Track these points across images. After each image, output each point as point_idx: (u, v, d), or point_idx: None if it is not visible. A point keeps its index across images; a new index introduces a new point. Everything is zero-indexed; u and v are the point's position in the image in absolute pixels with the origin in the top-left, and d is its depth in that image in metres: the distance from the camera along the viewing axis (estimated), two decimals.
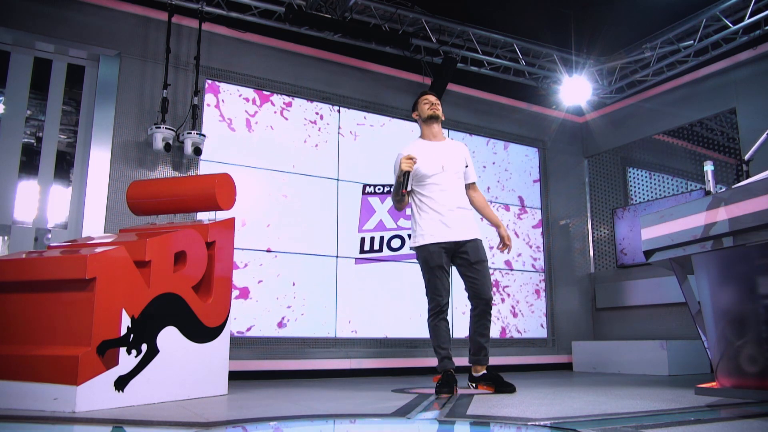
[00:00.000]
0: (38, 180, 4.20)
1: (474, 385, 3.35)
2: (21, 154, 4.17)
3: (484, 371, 3.33)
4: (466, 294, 3.38)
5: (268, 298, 4.64)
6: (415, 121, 3.67)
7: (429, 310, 3.36)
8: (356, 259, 5.11)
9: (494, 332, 5.64)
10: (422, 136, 3.59)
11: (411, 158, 3.25)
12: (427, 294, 3.38)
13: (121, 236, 3.11)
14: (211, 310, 3.09)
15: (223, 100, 4.75)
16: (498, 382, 3.26)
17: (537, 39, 5.64)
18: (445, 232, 3.34)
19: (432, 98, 3.56)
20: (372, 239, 5.20)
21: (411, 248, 3.48)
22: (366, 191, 5.30)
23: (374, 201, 5.28)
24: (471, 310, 3.38)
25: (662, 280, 5.43)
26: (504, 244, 3.56)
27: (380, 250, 5.20)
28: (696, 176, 5.57)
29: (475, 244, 3.37)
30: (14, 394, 2.35)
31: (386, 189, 5.32)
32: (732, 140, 5.30)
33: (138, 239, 2.79)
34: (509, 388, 3.22)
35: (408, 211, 3.59)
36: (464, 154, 3.58)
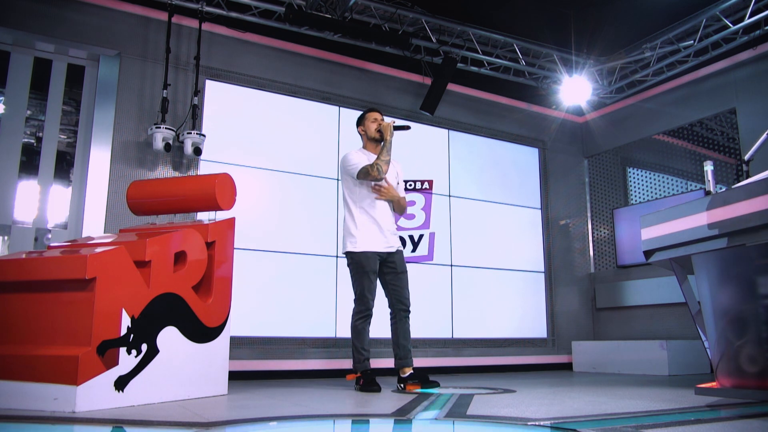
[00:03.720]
0: (38, 180, 4.20)
1: (402, 386, 3.49)
2: (21, 154, 4.17)
3: (411, 371, 3.52)
4: (387, 300, 3.63)
5: (268, 297, 4.64)
6: (360, 133, 3.82)
7: (357, 312, 3.53)
8: None
9: (494, 332, 5.64)
10: (365, 148, 3.78)
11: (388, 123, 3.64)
12: (357, 297, 3.55)
13: (121, 236, 3.11)
14: (211, 310, 3.09)
15: (223, 100, 4.75)
16: (423, 378, 3.51)
17: (537, 39, 5.64)
18: (382, 241, 3.58)
19: (379, 116, 3.77)
20: None
21: (345, 252, 3.62)
22: None
23: None
24: (391, 316, 3.62)
25: (662, 280, 5.43)
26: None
27: None
28: (696, 176, 5.57)
29: (401, 254, 3.67)
30: (14, 394, 2.35)
31: None
32: (732, 140, 5.30)
33: (138, 239, 2.79)
34: (434, 384, 3.52)
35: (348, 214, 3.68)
36: (397, 169, 3.83)
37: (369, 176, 3.53)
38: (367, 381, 3.43)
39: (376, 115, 3.76)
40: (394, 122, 3.67)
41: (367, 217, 3.58)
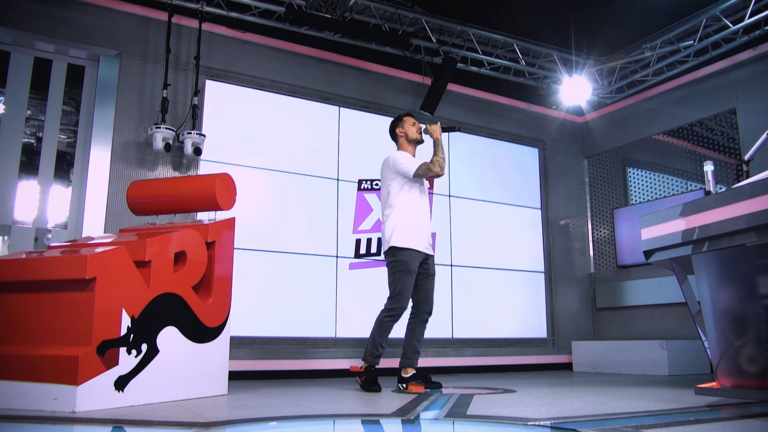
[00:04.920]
0: (38, 180, 4.20)
1: (404, 386, 3.48)
2: (21, 154, 4.17)
3: (414, 371, 3.53)
4: (412, 301, 3.62)
5: (268, 297, 4.64)
6: (396, 135, 3.78)
7: (389, 310, 3.50)
8: (351, 263, 5.07)
9: (494, 332, 5.64)
10: (402, 150, 3.74)
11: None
12: (394, 295, 3.51)
13: (121, 236, 3.11)
14: (211, 310, 3.09)
15: (223, 100, 4.75)
16: (426, 379, 3.54)
17: (537, 39, 5.64)
18: (425, 242, 3.60)
19: (415, 121, 3.80)
20: (369, 241, 5.15)
21: (390, 248, 3.55)
22: (362, 187, 5.25)
23: (371, 198, 5.25)
24: (412, 316, 3.63)
25: (662, 280, 5.43)
26: None
27: (377, 253, 5.12)
28: (696, 176, 5.57)
29: (433, 258, 3.71)
30: (14, 394, 2.35)
31: None
32: (732, 140, 5.30)
33: (138, 239, 2.79)
34: (437, 385, 3.54)
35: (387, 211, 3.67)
36: None
37: (430, 172, 3.53)
38: (369, 380, 3.44)
39: (413, 119, 3.79)
40: (439, 123, 3.72)
41: (414, 215, 3.59)
